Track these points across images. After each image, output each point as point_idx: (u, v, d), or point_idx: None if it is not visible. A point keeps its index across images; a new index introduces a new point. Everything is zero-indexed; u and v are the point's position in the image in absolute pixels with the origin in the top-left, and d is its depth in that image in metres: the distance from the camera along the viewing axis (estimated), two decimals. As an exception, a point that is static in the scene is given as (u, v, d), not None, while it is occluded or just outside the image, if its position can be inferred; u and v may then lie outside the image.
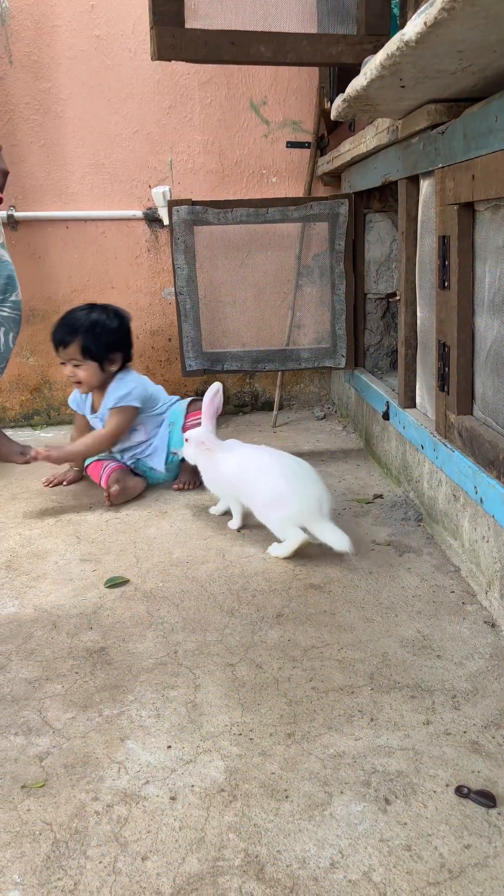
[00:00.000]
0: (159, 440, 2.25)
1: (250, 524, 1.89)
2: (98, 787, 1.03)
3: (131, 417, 2.19)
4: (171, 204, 2.32)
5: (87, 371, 2.15)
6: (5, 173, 2.34)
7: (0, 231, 2.33)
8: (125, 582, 1.64)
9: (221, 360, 2.46)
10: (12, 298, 2.35)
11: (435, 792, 1.00)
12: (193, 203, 2.30)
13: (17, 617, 1.50)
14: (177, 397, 2.35)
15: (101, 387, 2.21)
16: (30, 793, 1.03)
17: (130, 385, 2.18)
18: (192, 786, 1.03)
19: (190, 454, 1.96)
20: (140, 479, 2.22)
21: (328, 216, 2.38)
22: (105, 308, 2.19)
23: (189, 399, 2.29)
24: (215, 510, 2.00)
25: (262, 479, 1.75)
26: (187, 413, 2.23)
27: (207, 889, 0.87)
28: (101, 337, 2.13)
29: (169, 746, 1.11)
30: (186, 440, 1.97)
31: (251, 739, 1.12)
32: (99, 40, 2.72)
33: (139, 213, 2.87)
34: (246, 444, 1.91)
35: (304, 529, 1.70)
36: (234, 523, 1.91)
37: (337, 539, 1.64)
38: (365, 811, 0.98)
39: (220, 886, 0.87)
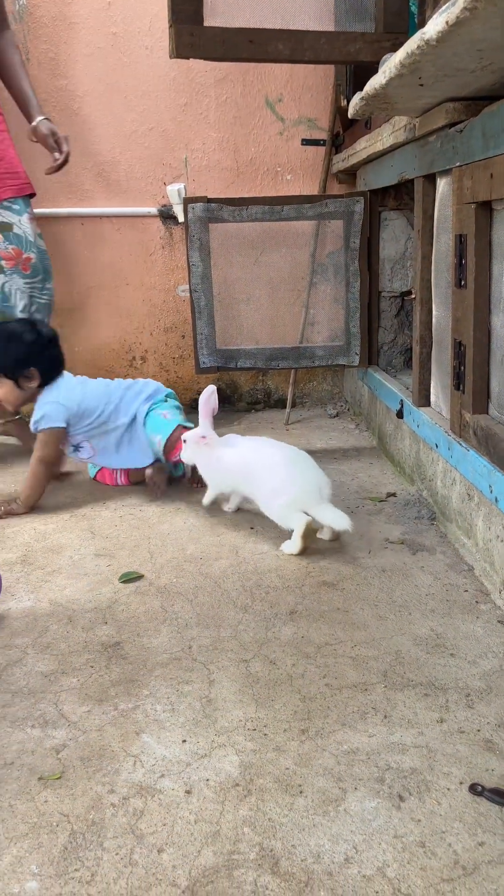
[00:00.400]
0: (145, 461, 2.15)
1: (265, 521, 1.88)
2: (114, 780, 1.04)
3: (57, 438, 2.09)
4: (187, 201, 2.32)
5: (3, 388, 2.07)
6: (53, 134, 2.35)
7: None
8: (139, 577, 1.65)
9: (235, 358, 2.47)
10: (48, 286, 2.43)
11: (449, 789, 1.01)
12: (209, 200, 2.31)
13: (32, 611, 1.52)
14: (131, 386, 2.18)
15: (32, 401, 2.12)
16: (47, 784, 1.04)
17: (46, 407, 2.07)
18: (207, 780, 1.04)
19: (188, 454, 1.97)
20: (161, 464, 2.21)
21: (343, 214, 2.38)
22: (24, 322, 2.12)
23: (166, 435, 2.09)
24: (229, 507, 2.01)
25: (263, 469, 1.79)
26: (168, 451, 2.10)
27: (223, 882, 0.88)
28: (10, 352, 2.04)
29: (184, 740, 1.12)
30: (184, 441, 1.97)
31: (265, 735, 1.13)
32: (115, 38, 2.73)
33: (154, 210, 2.88)
34: (245, 437, 1.93)
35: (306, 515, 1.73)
36: (230, 506, 2.00)
37: (336, 518, 1.68)
38: (379, 807, 0.98)
39: (235, 879, 0.88)
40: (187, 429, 2.04)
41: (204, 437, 1.91)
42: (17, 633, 1.43)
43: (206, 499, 2.00)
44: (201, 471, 1.97)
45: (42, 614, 1.50)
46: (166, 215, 2.89)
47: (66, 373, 2.16)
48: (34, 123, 2.34)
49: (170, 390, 2.26)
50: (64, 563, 1.73)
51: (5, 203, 2.31)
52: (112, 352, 2.98)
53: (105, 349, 2.98)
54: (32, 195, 2.42)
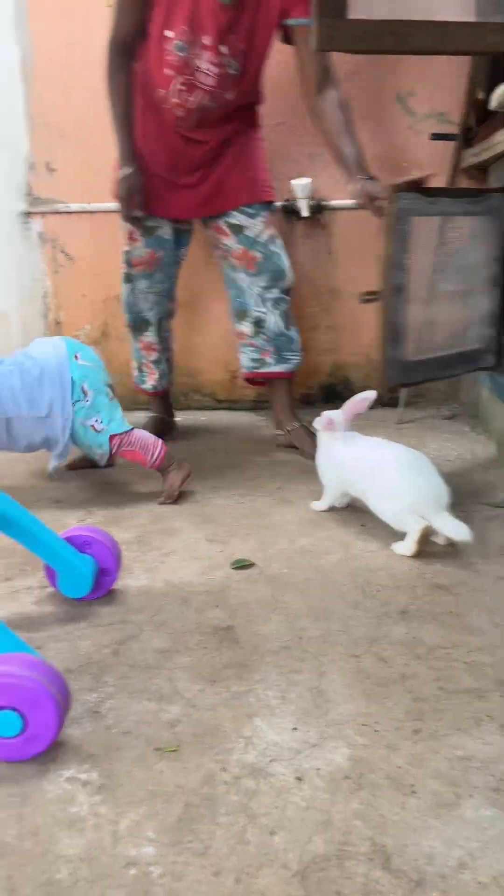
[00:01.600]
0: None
1: (375, 519, 1.85)
2: (226, 759, 1.06)
3: None
4: (395, 189, 1.94)
5: None
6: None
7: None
8: (251, 565, 1.67)
9: (416, 370, 2.16)
10: (278, 284, 2.50)
11: None
12: (418, 189, 1.95)
13: (148, 589, 1.57)
14: (40, 376, 1.94)
15: None
16: (163, 756, 1.07)
17: None
18: (318, 769, 1.04)
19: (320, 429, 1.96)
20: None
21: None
22: None
23: (106, 448, 2.02)
24: (340, 503, 2.00)
25: (379, 471, 1.75)
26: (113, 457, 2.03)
27: (334, 871, 0.88)
28: None
29: (294, 728, 1.13)
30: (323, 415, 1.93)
31: (376, 731, 1.12)
32: (250, 33, 2.75)
33: (278, 205, 2.89)
34: (366, 436, 1.90)
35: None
36: (321, 505, 1.97)
37: (456, 528, 1.63)
38: (495, 817, 0.95)
39: (346, 870, 0.88)
40: (118, 435, 2.01)
41: (332, 420, 1.87)
42: (134, 610, 1.49)
43: (322, 504, 1.98)
44: (318, 464, 1.97)
45: (157, 593, 1.55)
46: (289, 210, 2.90)
47: None
48: (351, 185, 2.23)
49: (83, 376, 1.99)
50: (178, 546, 1.78)
51: (242, 207, 2.45)
52: (231, 345, 3.02)
53: (224, 342, 3.03)
54: (271, 202, 2.51)
